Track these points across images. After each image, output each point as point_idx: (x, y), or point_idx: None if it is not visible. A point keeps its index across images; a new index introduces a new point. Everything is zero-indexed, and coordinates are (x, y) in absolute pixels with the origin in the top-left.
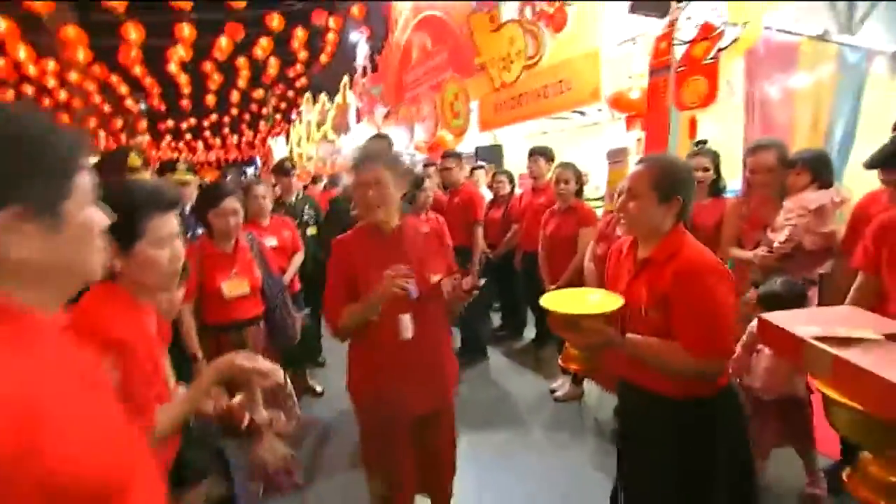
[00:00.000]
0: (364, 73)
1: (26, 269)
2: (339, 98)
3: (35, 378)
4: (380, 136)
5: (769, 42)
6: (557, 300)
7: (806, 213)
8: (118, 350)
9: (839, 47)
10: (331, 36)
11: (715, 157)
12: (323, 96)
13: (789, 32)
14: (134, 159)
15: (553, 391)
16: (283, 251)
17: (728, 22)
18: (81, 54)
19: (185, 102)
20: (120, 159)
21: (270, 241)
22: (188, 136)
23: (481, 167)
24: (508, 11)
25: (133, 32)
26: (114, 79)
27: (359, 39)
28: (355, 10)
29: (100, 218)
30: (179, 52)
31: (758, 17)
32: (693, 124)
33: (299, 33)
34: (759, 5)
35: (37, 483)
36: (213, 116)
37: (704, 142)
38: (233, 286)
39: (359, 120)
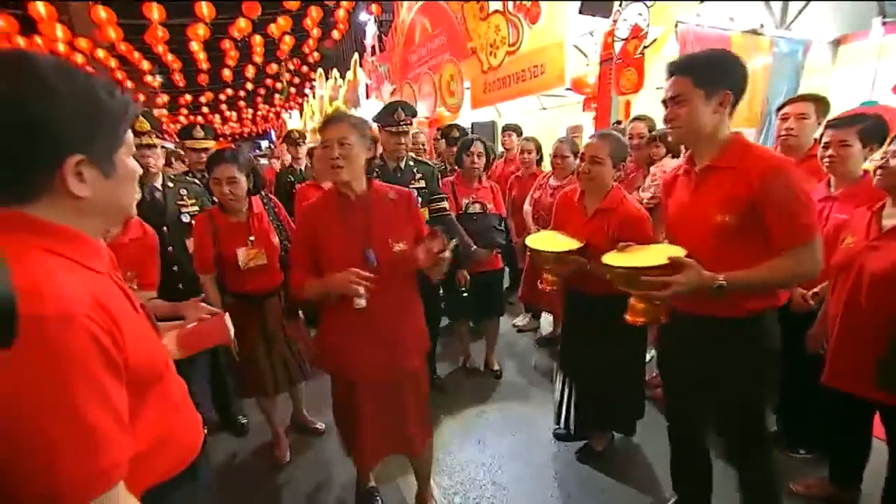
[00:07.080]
0: (373, 52)
1: (86, 206)
2: (350, 75)
3: (104, 289)
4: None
5: (701, 36)
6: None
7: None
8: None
9: (773, 39)
10: (341, 13)
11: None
12: (335, 73)
13: (720, 28)
14: (142, 123)
15: (515, 325)
16: None
17: (649, 25)
18: (113, 33)
19: (202, 77)
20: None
21: None
22: (205, 110)
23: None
24: (494, 2)
25: (155, 12)
26: (136, 55)
27: (368, 20)
28: None
29: (135, 166)
30: (198, 30)
31: (671, 22)
32: (627, 107)
33: (314, 12)
34: (674, 13)
35: (124, 366)
36: (229, 91)
37: (619, 122)
38: (248, 256)
39: (368, 96)
